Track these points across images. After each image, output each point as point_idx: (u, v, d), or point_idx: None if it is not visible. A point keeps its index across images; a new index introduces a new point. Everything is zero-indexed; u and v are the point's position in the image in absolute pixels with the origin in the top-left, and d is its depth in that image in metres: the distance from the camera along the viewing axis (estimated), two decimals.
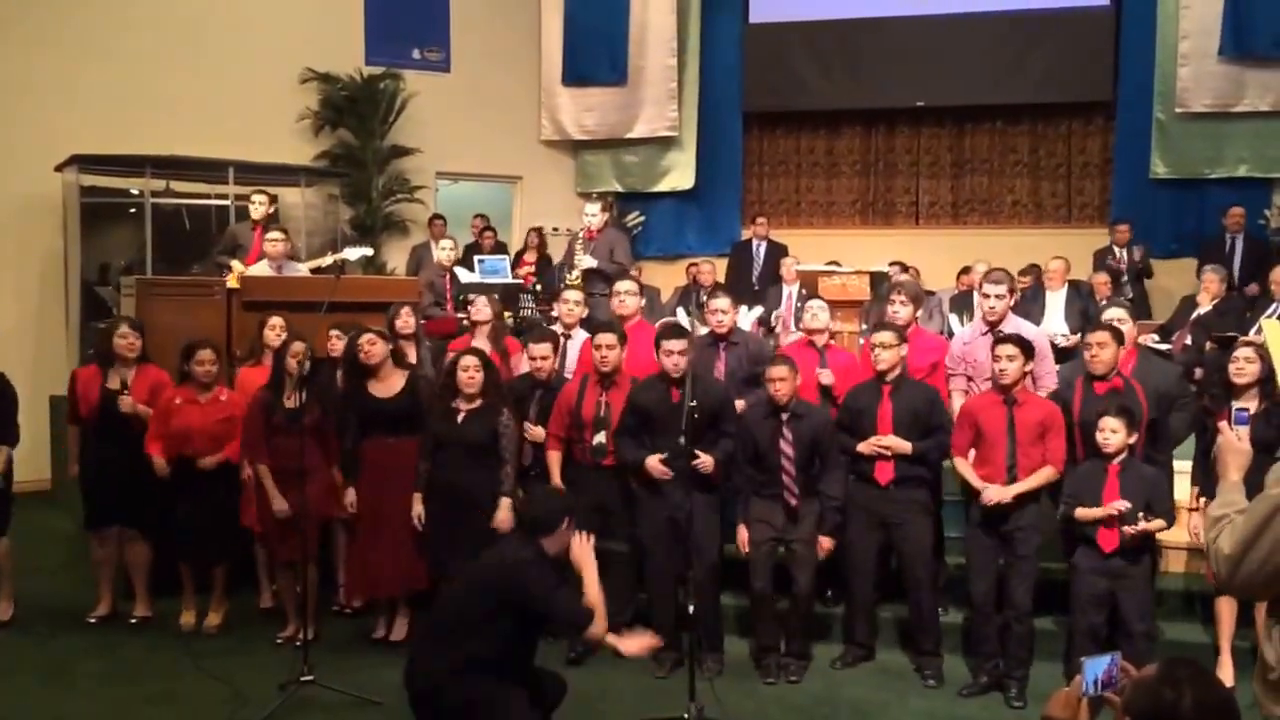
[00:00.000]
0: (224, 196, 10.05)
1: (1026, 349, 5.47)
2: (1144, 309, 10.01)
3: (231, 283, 7.51)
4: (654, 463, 5.60)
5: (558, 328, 6.96)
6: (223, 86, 10.83)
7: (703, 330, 6.51)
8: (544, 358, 6.24)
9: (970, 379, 6.19)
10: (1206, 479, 5.45)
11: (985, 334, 6.12)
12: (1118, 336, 5.50)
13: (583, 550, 4.29)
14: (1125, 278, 10.23)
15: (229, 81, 10.89)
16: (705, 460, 5.56)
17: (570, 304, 6.98)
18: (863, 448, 5.65)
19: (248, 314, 7.16)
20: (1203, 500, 5.50)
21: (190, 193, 10.27)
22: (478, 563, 4.41)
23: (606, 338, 5.96)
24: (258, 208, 8.57)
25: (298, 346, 6.05)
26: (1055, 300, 8.70)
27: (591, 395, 5.92)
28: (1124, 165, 11.86)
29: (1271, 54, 10.77)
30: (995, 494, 5.34)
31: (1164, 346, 8.44)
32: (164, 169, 9.83)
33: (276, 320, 6.58)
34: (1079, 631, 5.28)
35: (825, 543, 5.65)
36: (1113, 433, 5.17)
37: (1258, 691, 2.76)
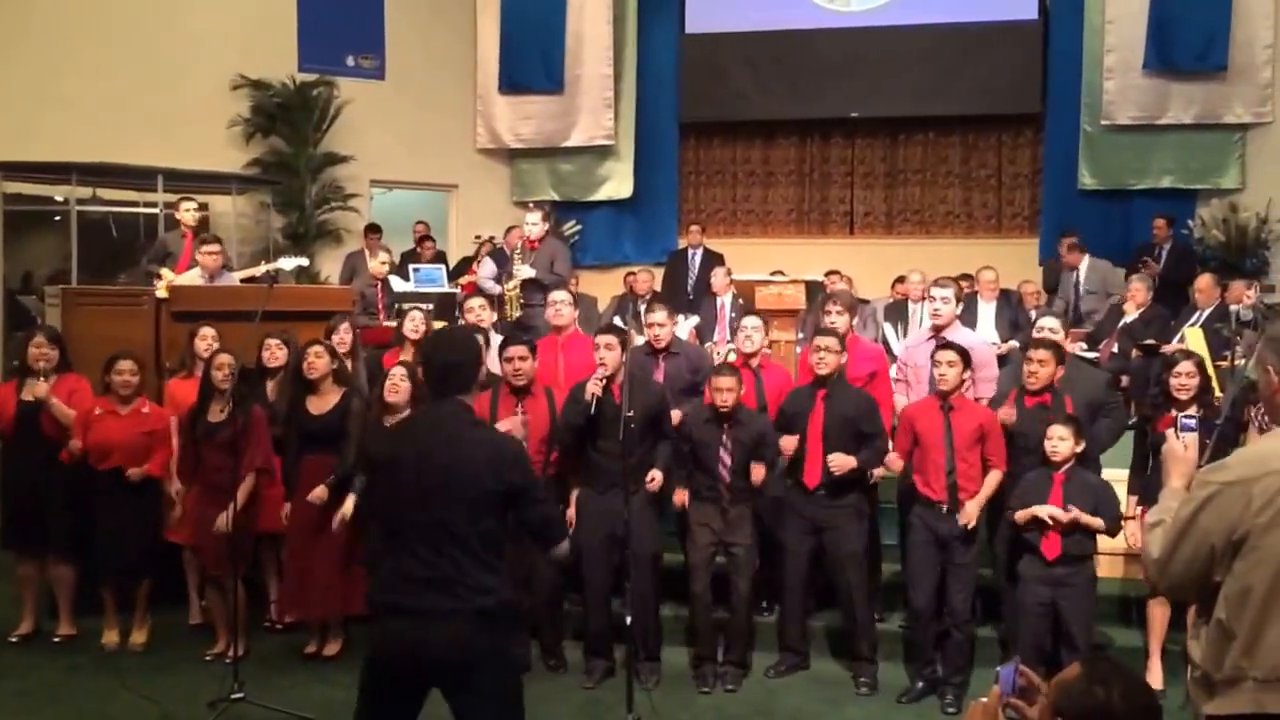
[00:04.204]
0: (153, 204, 9.88)
1: (966, 357, 5.56)
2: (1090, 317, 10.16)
3: (161, 292, 7.36)
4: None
5: (479, 337, 6.90)
6: (152, 92, 10.67)
7: (640, 339, 6.49)
8: None
9: (910, 384, 6.25)
10: (1145, 487, 5.55)
11: (929, 339, 6.19)
12: (1058, 355, 5.58)
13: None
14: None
15: (158, 87, 10.73)
16: (655, 479, 5.61)
17: (476, 310, 6.96)
18: (785, 444, 5.67)
19: (177, 324, 7.02)
20: (1140, 508, 5.59)
21: (118, 200, 10.11)
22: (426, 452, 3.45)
23: (518, 350, 5.80)
24: (188, 215, 8.41)
25: (223, 358, 5.95)
26: (986, 310, 8.82)
27: (506, 407, 5.77)
28: (1053, 176, 12.10)
29: (1194, 68, 11.04)
30: (973, 513, 5.40)
31: (1091, 354, 8.59)
32: (90, 176, 9.66)
33: (208, 330, 6.46)
34: (1023, 641, 5.32)
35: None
36: (1061, 440, 5.26)
37: (1189, 689, 2.81)
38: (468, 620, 3.30)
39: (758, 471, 5.62)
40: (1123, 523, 5.75)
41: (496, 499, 3.38)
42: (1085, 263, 10.15)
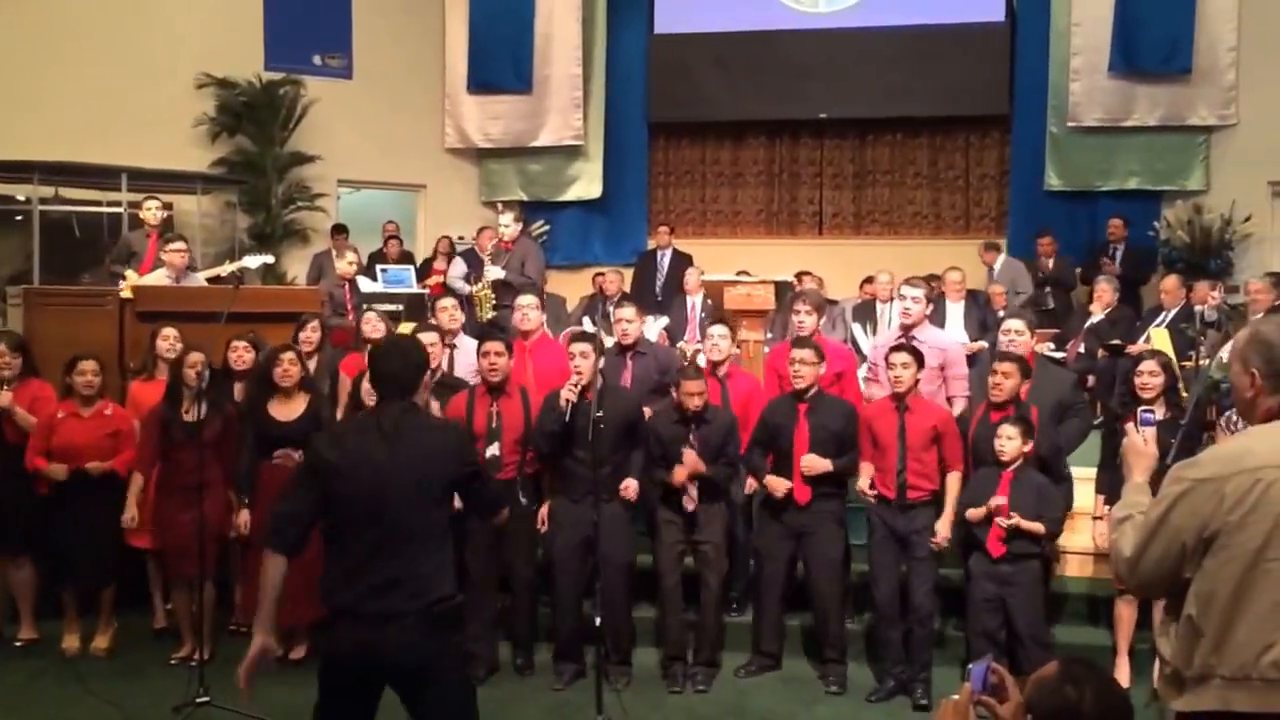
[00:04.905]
0: (116, 204, 9.78)
1: (920, 358, 5.60)
2: (1066, 318, 10.21)
3: (125, 293, 7.28)
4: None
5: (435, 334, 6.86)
6: (116, 90, 10.55)
7: (610, 340, 6.48)
8: (430, 345, 6.15)
9: (881, 383, 6.25)
10: (1113, 485, 5.57)
11: (900, 339, 6.20)
12: (1024, 370, 5.60)
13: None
14: (1048, 288, 10.50)
15: (122, 85, 10.61)
16: (630, 488, 5.62)
17: (449, 309, 6.92)
18: (771, 484, 5.67)
19: (141, 325, 6.95)
20: (1108, 508, 5.63)
21: (81, 200, 9.99)
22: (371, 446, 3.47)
23: (495, 345, 5.81)
24: (151, 214, 8.32)
25: (195, 357, 5.87)
26: (955, 311, 8.86)
27: (482, 407, 5.77)
28: (1020, 177, 12.16)
29: (1159, 70, 11.14)
30: (945, 535, 5.48)
31: (1058, 354, 8.65)
32: (53, 175, 9.54)
33: (169, 331, 6.38)
34: (975, 635, 5.41)
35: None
36: (1009, 440, 5.32)
37: (1158, 686, 2.83)
38: (420, 621, 3.34)
39: (690, 456, 5.60)
40: (1093, 520, 5.81)
41: (456, 485, 3.55)
42: (1000, 261, 10.30)
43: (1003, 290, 9.99)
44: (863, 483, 5.67)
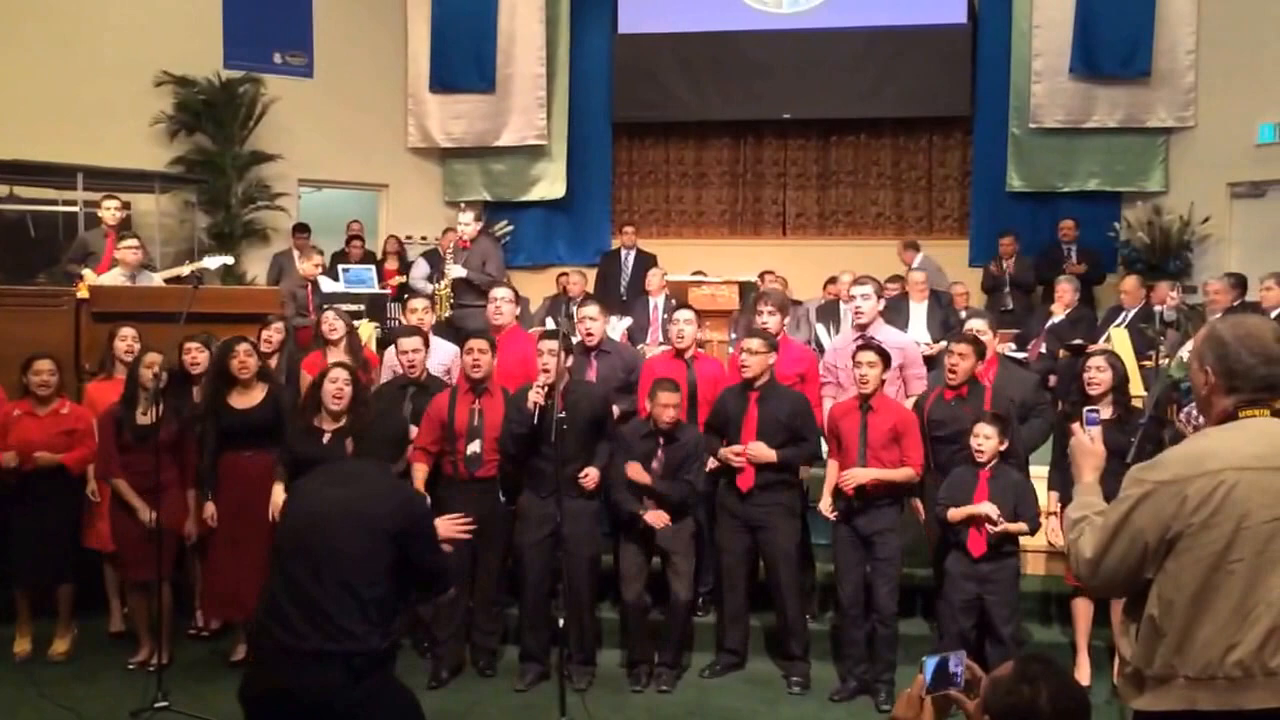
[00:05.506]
0: (72, 203, 9.63)
1: (886, 357, 5.61)
2: (1026, 318, 10.26)
3: (81, 293, 7.18)
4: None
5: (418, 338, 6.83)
6: (72, 88, 10.41)
7: (575, 339, 6.47)
8: (415, 350, 6.15)
9: (840, 385, 6.26)
10: (1065, 483, 5.60)
11: (856, 339, 6.21)
12: (979, 350, 5.64)
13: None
14: (1007, 288, 10.56)
15: (79, 83, 10.48)
16: (590, 476, 5.60)
17: (419, 311, 6.89)
18: (724, 454, 5.69)
19: (98, 325, 6.86)
20: (1060, 504, 5.66)
21: (36, 199, 9.84)
22: (332, 491, 3.51)
23: (479, 343, 5.85)
24: (110, 213, 8.20)
25: (152, 357, 5.81)
26: (918, 310, 8.89)
27: (464, 404, 5.78)
28: (981, 178, 12.24)
29: (1119, 73, 11.25)
30: (851, 476, 5.43)
31: (1020, 355, 8.70)
32: (7, 174, 9.40)
33: (127, 331, 6.30)
34: (949, 635, 5.38)
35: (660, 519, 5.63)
36: (985, 439, 5.33)
37: (1118, 685, 2.83)
38: (341, 666, 3.25)
39: (633, 469, 5.63)
40: (1042, 519, 5.84)
41: (386, 539, 3.38)
42: (918, 260, 10.42)
43: (965, 290, 10.05)
44: (824, 504, 5.68)
